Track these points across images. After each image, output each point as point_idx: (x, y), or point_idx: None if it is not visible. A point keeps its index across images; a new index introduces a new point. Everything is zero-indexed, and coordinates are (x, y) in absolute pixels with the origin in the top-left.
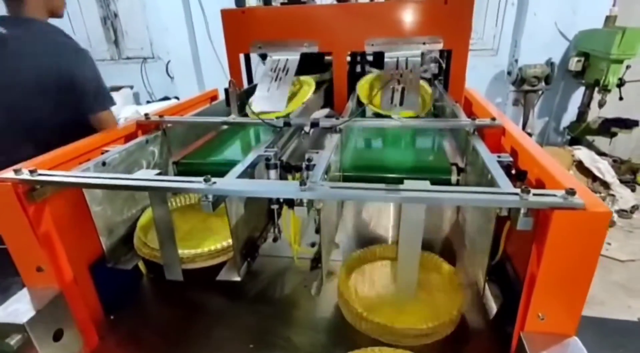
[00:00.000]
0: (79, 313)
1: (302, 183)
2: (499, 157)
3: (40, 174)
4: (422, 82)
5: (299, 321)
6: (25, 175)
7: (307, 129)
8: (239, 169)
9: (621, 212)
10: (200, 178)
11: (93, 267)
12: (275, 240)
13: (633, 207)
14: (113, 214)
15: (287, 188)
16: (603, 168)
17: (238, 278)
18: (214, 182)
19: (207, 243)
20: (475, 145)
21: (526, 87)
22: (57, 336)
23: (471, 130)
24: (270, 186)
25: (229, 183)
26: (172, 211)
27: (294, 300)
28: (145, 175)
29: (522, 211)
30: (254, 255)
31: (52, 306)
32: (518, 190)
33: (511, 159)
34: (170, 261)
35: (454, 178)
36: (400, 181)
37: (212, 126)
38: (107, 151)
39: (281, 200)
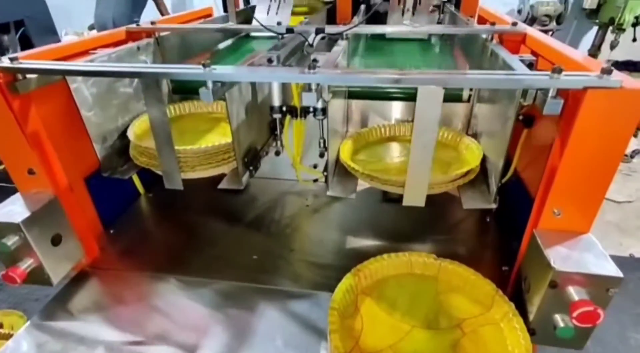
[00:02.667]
0: (77, 222)
1: (311, 66)
2: (521, 57)
3: (21, 63)
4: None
5: (303, 236)
6: (6, 63)
7: (311, 38)
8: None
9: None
10: (199, 65)
11: (89, 179)
12: (277, 153)
13: (634, 151)
14: (106, 121)
15: (292, 73)
16: None
17: (241, 187)
18: (214, 68)
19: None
20: (495, 49)
21: (536, 27)
22: (56, 241)
23: (489, 36)
24: (274, 72)
25: (229, 69)
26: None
27: (296, 218)
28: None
29: (550, 93)
30: (256, 165)
31: (48, 210)
32: (547, 72)
33: (534, 58)
34: (168, 168)
35: (465, 93)
36: (409, 96)
37: (208, 43)
38: (94, 53)
39: (284, 108)
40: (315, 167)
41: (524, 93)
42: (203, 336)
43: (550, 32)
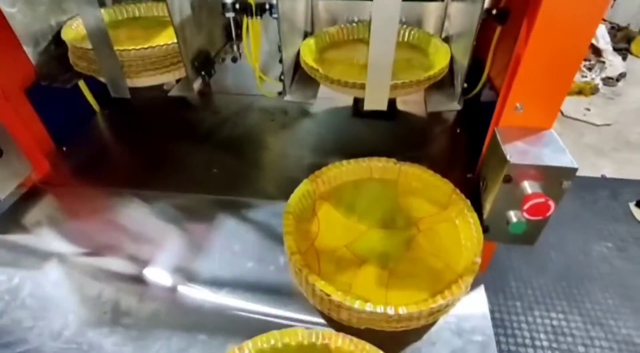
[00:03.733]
0: (20, 137)
1: None
2: None
3: None
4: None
5: (266, 151)
6: None
7: None
8: None
9: (607, 80)
10: None
11: (30, 91)
12: (234, 60)
13: (620, 74)
14: (35, 20)
15: None
16: (599, 33)
17: (192, 93)
18: None
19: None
20: None
21: None
22: None
23: None
24: None
25: None
26: (110, 25)
27: (261, 134)
28: None
29: None
30: (209, 71)
31: None
32: None
33: None
34: (110, 74)
35: None
36: None
37: None
38: None
39: (237, 5)
40: (281, 80)
41: None
42: (158, 247)
43: None
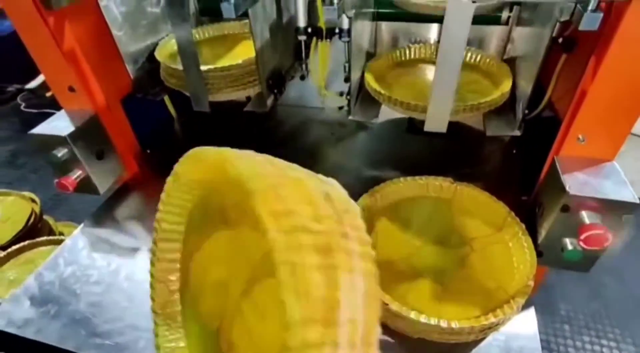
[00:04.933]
0: (117, 140)
1: None
2: None
3: None
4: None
5: (324, 162)
6: None
7: None
8: None
9: None
10: None
11: (125, 100)
12: (302, 78)
13: None
14: (136, 41)
15: None
16: None
17: (265, 109)
18: None
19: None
20: None
21: None
22: (99, 155)
23: None
24: None
25: None
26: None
27: (320, 146)
28: None
29: (590, 5)
30: (281, 88)
31: (90, 125)
32: None
33: None
34: (196, 89)
35: (504, 14)
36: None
37: None
38: None
39: (309, 30)
40: (342, 94)
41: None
42: None
43: None
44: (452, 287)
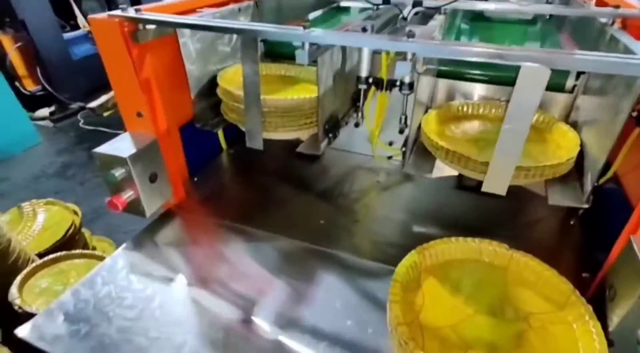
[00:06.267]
0: (170, 165)
1: (410, 35)
2: None
3: (143, 14)
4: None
5: (369, 211)
6: (132, 13)
7: (406, 11)
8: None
9: None
10: (299, 27)
11: (183, 128)
12: (357, 125)
13: None
14: (204, 76)
15: (390, 40)
16: None
17: (318, 152)
18: (313, 30)
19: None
20: (615, 34)
21: None
22: (152, 178)
23: (610, 20)
24: (371, 38)
25: (327, 33)
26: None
27: (366, 193)
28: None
29: None
30: (335, 133)
31: (149, 150)
32: None
33: None
34: (252, 126)
35: (569, 82)
36: (506, 80)
37: (305, 11)
38: (201, 11)
39: (370, 79)
40: (390, 144)
41: None
42: (264, 290)
43: None
44: None
